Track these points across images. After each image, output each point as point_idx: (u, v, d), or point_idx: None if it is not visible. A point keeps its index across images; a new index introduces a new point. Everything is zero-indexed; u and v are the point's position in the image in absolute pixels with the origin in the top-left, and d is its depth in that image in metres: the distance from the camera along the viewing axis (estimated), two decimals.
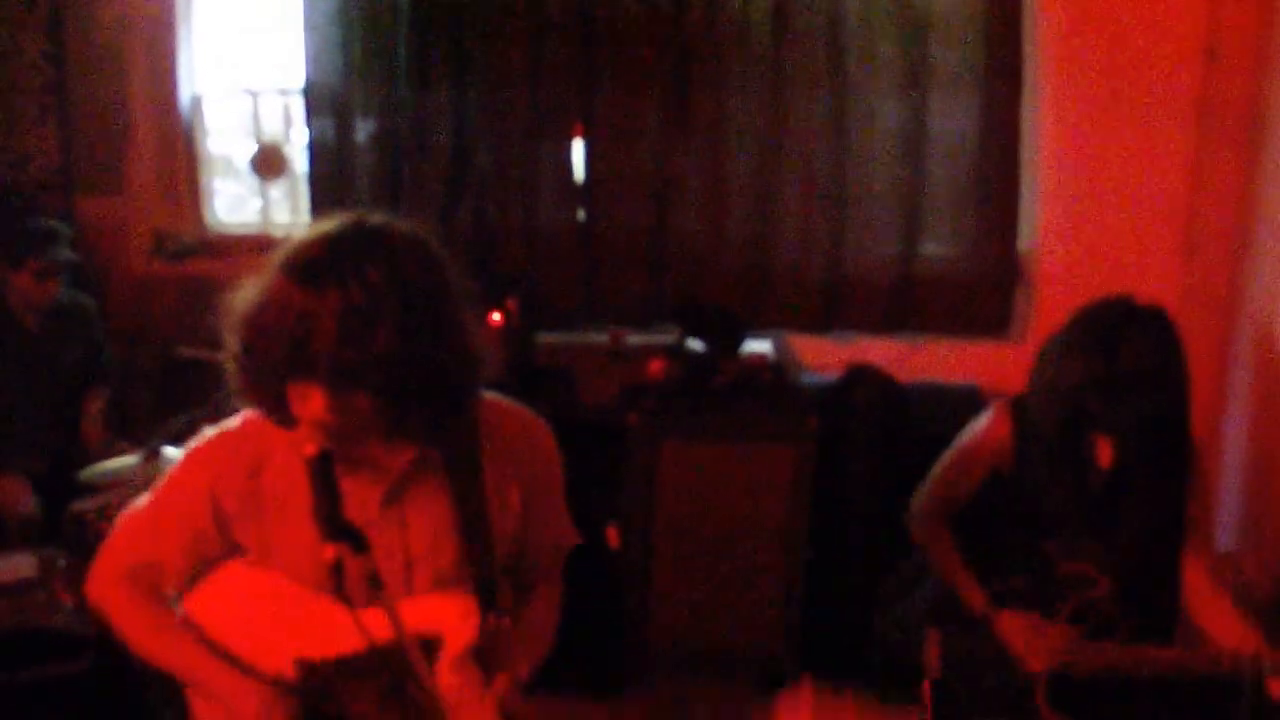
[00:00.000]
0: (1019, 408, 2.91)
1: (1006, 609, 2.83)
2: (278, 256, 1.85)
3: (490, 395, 2.13)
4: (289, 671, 2.00)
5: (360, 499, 1.94)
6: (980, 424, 2.97)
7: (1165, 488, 2.83)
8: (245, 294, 1.87)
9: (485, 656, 1.97)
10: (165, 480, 2.11)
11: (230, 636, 2.05)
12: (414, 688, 1.84)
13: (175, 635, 2.07)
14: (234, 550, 2.07)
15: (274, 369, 1.81)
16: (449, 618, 1.95)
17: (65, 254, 4.41)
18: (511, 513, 2.10)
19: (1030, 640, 2.78)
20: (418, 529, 2.01)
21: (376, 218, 1.89)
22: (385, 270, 1.79)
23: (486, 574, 2.00)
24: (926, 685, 2.85)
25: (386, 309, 1.77)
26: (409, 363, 1.79)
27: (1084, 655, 2.75)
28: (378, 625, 1.77)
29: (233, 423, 2.07)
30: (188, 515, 2.04)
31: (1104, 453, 2.77)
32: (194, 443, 2.09)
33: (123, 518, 2.15)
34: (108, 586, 2.11)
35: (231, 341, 1.88)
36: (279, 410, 1.87)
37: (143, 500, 2.13)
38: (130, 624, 2.08)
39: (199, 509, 2.03)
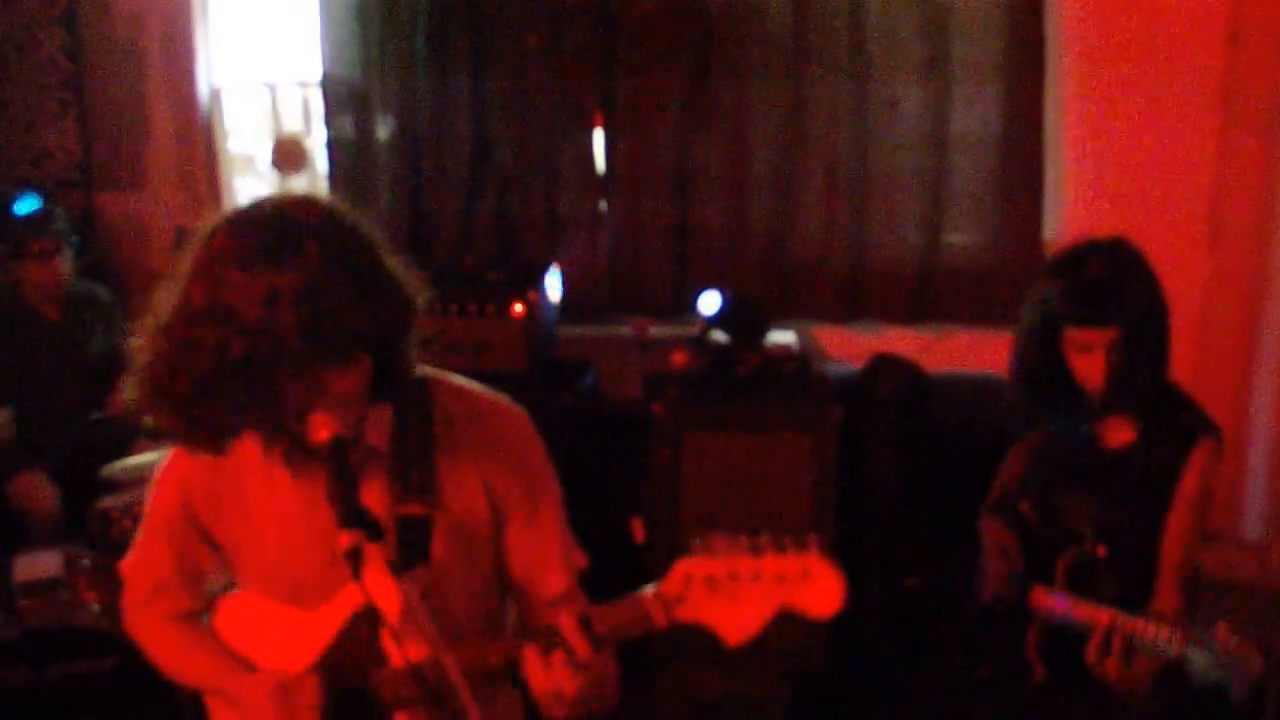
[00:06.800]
0: None
1: (995, 517, 2.92)
2: (206, 270, 1.70)
3: (444, 374, 2.00)
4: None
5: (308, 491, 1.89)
6: None
7: (1156, 456, 2.76)
8: (192, 335, 1.73)
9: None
10: (146, 507, 2.12)
11: (243, 652, 2.07)
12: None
13: (193, 651, 2.09)
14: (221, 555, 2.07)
15: (294, 363, 1.64)
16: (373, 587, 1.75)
17: (62, 228, 4.40)
18: (476, 517, 1.96)
19: (991, 557, 2.86)
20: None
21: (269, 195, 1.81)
22: (328, 217, 1.74)
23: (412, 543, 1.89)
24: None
25: (354, 255, 1.72)
26: (389, 303, 1.76)
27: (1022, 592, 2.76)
28: (384, 597, 1.71)
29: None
30: (169, 531, 2.06)
31: (1090, 372, 2.68)
32: (158, 466, 2.09)
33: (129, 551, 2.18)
34: (134, 620, 2.16)
35: (204, 372, 1.71)
36: (276, 416, 1.72)
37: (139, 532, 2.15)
38: (155, 651, 2.14)
39: (177, 522, 2.04)
